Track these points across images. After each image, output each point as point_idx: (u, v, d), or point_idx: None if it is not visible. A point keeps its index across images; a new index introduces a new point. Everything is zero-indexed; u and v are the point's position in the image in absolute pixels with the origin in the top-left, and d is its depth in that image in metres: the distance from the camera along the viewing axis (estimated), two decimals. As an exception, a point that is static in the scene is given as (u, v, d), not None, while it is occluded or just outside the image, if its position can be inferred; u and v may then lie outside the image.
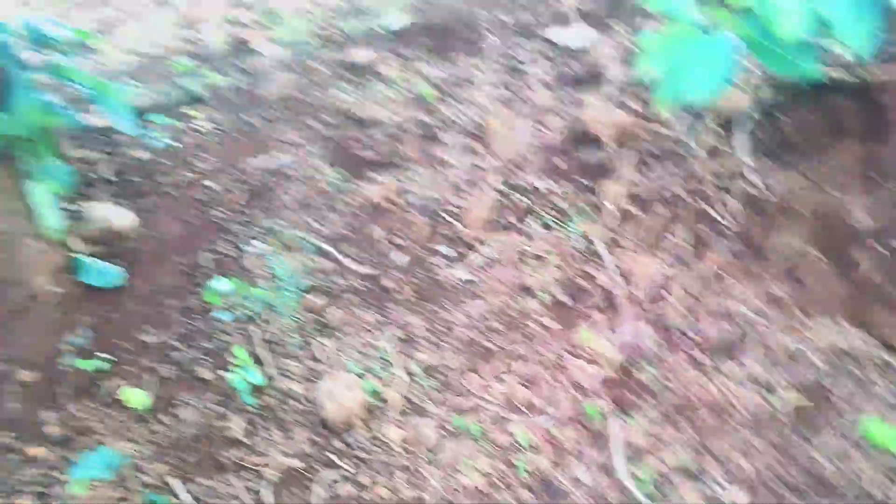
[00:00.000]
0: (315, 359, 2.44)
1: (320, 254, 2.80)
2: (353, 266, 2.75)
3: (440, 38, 4.01)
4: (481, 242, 2.80)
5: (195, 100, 3.73)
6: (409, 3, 4.43)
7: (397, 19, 4.27)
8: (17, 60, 2.43)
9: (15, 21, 2.46)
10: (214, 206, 3.00)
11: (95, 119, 3.36)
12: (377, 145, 3.27)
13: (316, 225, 2.91)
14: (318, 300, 2.62)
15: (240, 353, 2.40)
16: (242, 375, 2.33)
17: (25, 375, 2.37)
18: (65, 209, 2.74)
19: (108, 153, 3.31)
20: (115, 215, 2.89)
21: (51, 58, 2.66)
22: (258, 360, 2.41)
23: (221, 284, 2.61)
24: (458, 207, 2.93)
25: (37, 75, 2.51)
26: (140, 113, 3.45)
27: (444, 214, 2.91)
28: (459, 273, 2.71)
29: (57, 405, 2.33)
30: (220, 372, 2.38)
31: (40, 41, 2.48)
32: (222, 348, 2.46)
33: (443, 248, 2.81)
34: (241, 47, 4.31)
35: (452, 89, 3.58)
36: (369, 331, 2.54)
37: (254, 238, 2.85)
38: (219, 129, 3.48)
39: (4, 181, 2.47)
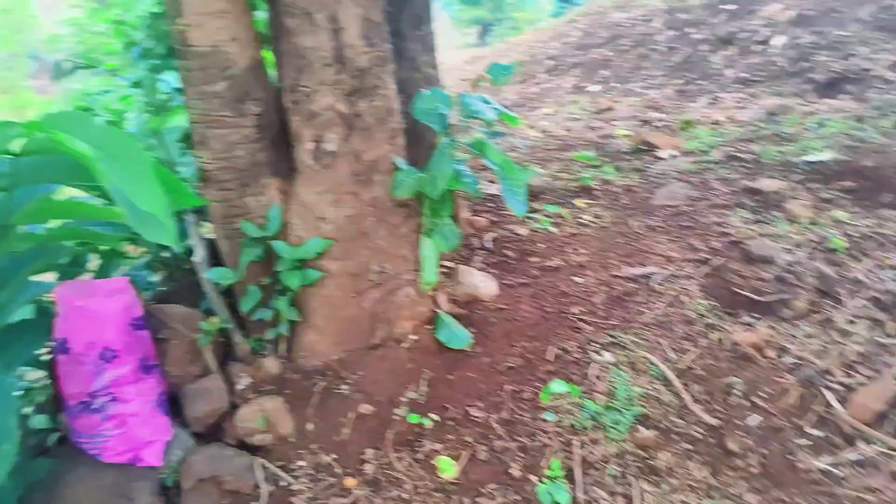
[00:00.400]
0: (630, 501, 2.21)
1: (665, 384, 2.57)
2: (698, 411, 2.46)
3: (868, 184, 3.50)
4: (864, 438, 2.30)
5: (586, 191, 3.79)
6: (839, 139, 3.98)
7: (820, 153, 3.85)
8: (447, 130, 2.68)
9: (456, 96, 2.73)
10: (574, 301, 2.96)
11: (491, 190, 3.59)
12: (763, 286, 2.93)
13: (670, 352, 2.69)
14: (649, 435, 2.38)
15: (555, 465, 2.28)
16: (550, 489, 2.20)
17: (364, 408, 2.55)
18: (442, 267, 2.94)
19: (493, 223, 3.50)
20: (482, 283, 3.02)
21: (472, 131, 2.90)
22: (571, 478, 2.27)
23: (557, 385, 2.53)
24: (844, 386, 2.46)
25: (457, 144, 2.73)
26: (532, 193, 3.60)
27: (823, 389, 2.46)
28: (824, 465, 2.25)
29: (380, 446, 2.46)
30: (531, 475, 2.29)
31: (470, 116, 2.70)
32: (539, 451, 2.37)
33: (811, 429, 2.36)
34: (643, 149, 4.29)
35: (870, 246, 3.07)
36: (696, 492, 2.23)
37: (602, 346, 2.73)
38: (599, 225, 3.47)
39: (406, 230, 2.72)
